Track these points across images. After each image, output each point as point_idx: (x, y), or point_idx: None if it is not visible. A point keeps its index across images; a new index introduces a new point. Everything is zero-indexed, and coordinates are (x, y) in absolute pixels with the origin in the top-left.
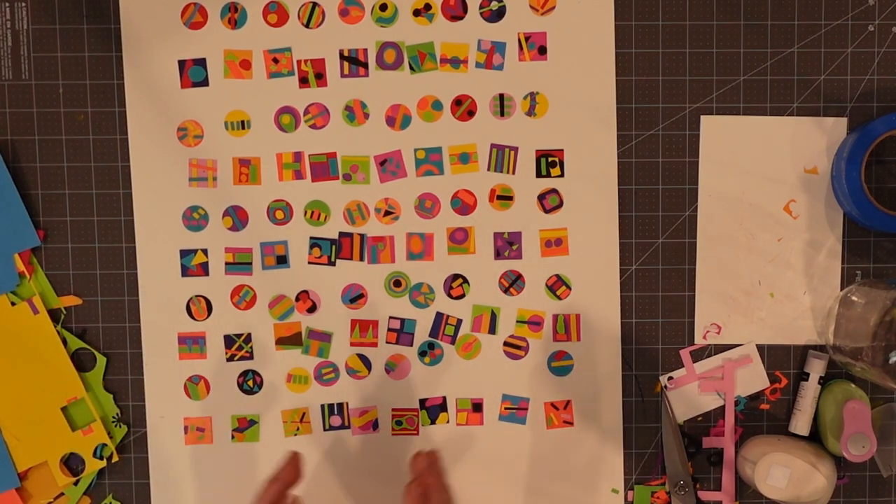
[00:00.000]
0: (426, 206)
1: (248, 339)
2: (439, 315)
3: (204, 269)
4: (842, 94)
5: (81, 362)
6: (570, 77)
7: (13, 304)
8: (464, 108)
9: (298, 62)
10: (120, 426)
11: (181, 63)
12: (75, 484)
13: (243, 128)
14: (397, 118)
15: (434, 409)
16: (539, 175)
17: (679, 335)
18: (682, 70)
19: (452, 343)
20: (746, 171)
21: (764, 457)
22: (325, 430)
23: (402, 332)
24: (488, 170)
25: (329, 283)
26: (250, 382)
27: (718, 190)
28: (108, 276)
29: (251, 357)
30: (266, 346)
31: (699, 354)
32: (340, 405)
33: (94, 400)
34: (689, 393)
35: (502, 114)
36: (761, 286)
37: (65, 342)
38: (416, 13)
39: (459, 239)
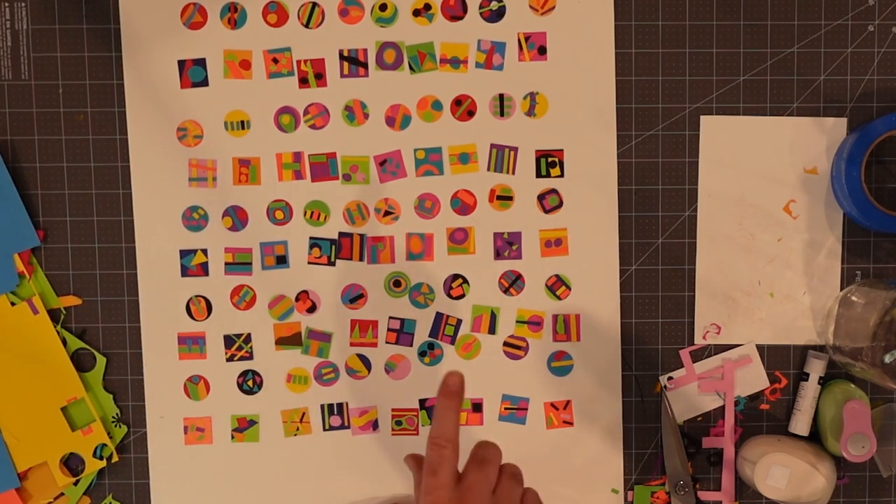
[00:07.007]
0: (426, 206)
1: (248, 339)
2: (439, 315)
3: (204, 270)
4: (842, 95)
5: (81, 362)
6: (570, 77)
7: (13, 304)
8: (463, 108)
9: (298, 62)
10: (120, 426)
11: (181, 63)
12: (75, 484)
13: (243, 128)
14: (397, 118)
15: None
16: (539, 175)
17: (679, 335)
18: (681, 70)
19: (452, 343)
20: (746, 171)
21: (764, 457)
22: (324, 430)
23: (402, 332)
24: (488, 170)
25: (329, 283)
26: (250, 382)
27: (718, 190)
28: (108, 276)
29: (251, 357)
30: (266, 346)
31: (699, 354)
32: (340, 405)
33: (94, 400)
34: (689, 393)
35: (502, 114)
36: (761, 286)
37: (64, 342)
38: (416, 13)
39: (459, 239)
